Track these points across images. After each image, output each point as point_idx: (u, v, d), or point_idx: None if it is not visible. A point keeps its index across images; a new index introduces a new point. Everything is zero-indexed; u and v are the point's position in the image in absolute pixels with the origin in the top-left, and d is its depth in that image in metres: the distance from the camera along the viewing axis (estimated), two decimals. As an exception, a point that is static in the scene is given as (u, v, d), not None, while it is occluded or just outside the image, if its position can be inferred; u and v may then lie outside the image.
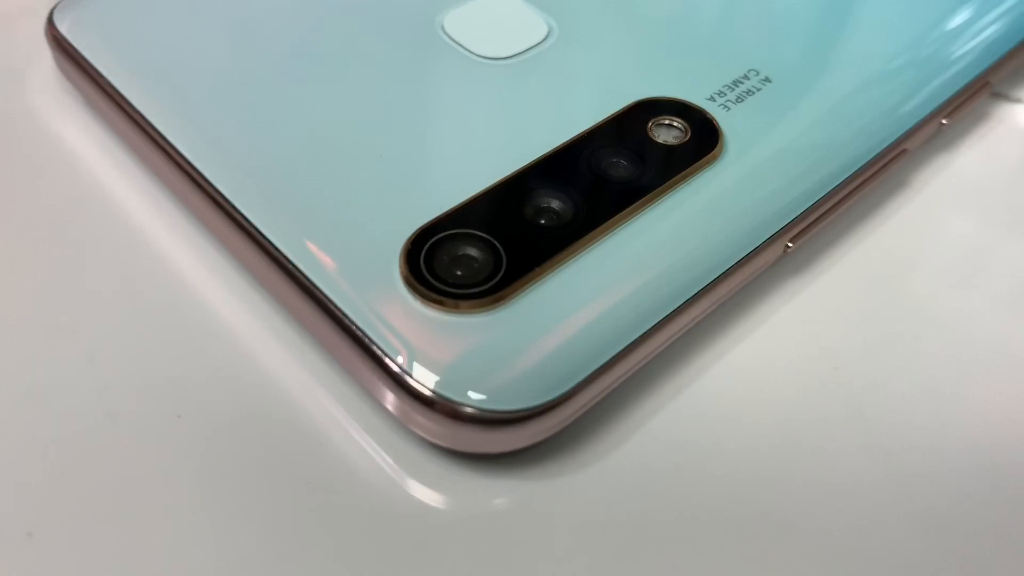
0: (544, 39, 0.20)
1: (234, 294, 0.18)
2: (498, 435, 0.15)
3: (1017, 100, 0.23)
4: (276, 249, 0.16)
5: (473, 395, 0.14)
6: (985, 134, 0.22)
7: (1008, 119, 0.23)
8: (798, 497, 0.15)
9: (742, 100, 0.19)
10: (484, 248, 0.16)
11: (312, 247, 0.16)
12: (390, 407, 0.15)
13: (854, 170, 0.18)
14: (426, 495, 0.15)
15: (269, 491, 0.15)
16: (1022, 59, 0.23)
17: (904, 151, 0.20)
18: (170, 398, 0.16)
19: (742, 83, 0.19)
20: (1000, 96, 0.23)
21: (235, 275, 0.18)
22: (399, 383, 0.15)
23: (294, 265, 0.16)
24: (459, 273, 0.15)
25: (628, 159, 0.17)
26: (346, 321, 0.15)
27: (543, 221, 0.16)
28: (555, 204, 0.17)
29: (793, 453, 0.16)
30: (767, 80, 0.19)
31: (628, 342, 0.15)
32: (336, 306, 0.15)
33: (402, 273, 0.15)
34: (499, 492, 0.15)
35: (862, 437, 0.16)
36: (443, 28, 0.20)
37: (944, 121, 0.20)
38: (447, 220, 0.16)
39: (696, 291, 0.16)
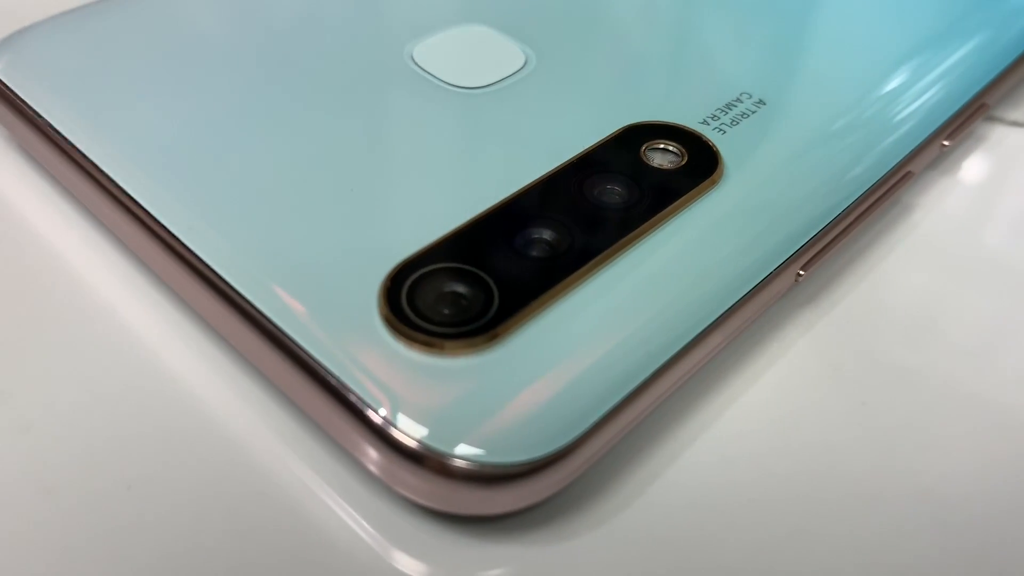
0: (522, 67, 0.19)
1: (190, 347, 0.16)
2: (496, 493, 0.13)
3: (1014, 123, 0.22)
4: (236, 293, 0.14)
5: (466, 448, 0.13)
6: (986, 156, 0.21)
7: (1006, 141, 0.22)
8: (835, 553, 0.14)
9: (737, 123, 0.18)
10: (472, 283, 0.14)
11: (277, 289, 0.14)
12: (372, 466, 0.13)
13: (861, 192, 0.17)
14: (414, 568, 0.13)
15: (235, 572, 0.13)
16: (1016, 81, 0.22)
17: (909, 173, 0.19)
18: (118, 467, 0.14)
19: (735, 106, 0.18)
20: (996, 119, 0.22)
21: (191, 326, 0.16)
22: (382, 437, 0.13)
23: (258, 310, 0.14)
24: (446, 311, 0.14)
25: (623, 185, 0.16)
26: (319, 369, 0.13)
27: (536, 253, 0.15)
28: (547, 234, 0.15)
29: (824, 503, 0.14)
30: (761, 103, 0.18)
31: (637, 383, 0.14)
32: (307, 353, 0.13)
33: (382, 313, 0.13)
34: (497, 561, 0.13)
35: (899, 481, 0.15)
36: (412, 58, 0.19)
37: (945, 143, 0.20)
38: (430, 254, 0.14)
39: (707, 324, 0.15)
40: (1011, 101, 0.23)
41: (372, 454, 0.13)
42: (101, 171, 0.16)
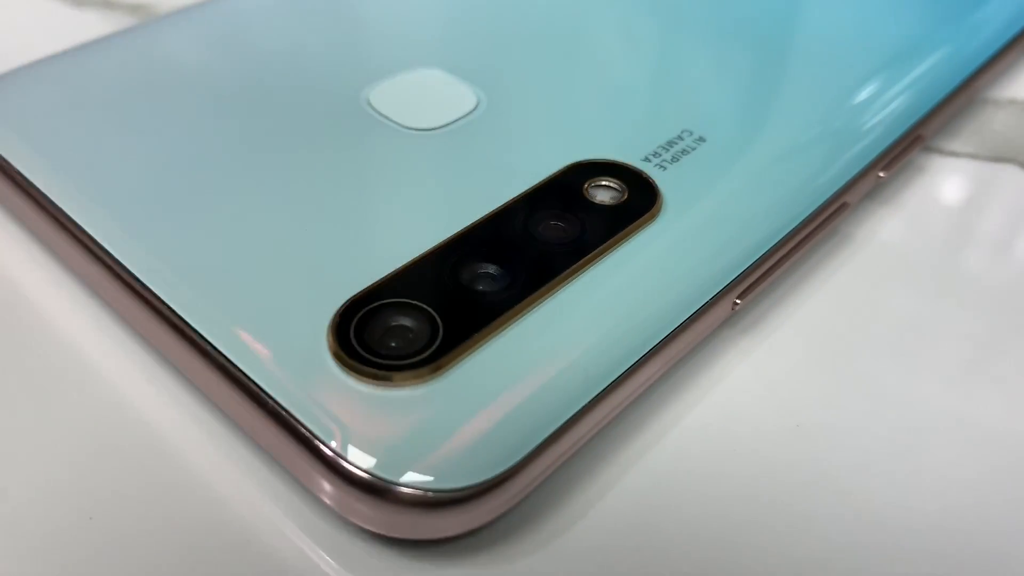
0: (473, 109, 0.20)
1: (151, 381, 0.16)
2: (444, 518, 0.13)
3: (951, 153, 0.23)
4: (192, 329, 0.15)
5: (413, 475, 0.13)
6: (922, 186, 0.22)
7: (942, 172, 0.23)
8: (771, 567, 0.14)
9: (677, 159, 0.18)
10: (418, 317, 0.15)
11: (232, 325, 0.15)
12: (324, 496, 0.14)
13: (795, 225, 0.18)
14: (369, 593, 0.14)
15: (192, 598, 0.14)
16: (951, 113, 0.23)
17: (845, 204, 0.19)
18: (79, 498, 0.15)
19: (676, 143, 0.19)
20: (933, 149, 0.23)
21: (150, 359, 0.17)
22: (333, 468, 0.13)
23: (213, 346, 0.14)
24: (393, 344, 0.14)
25: (565, 221, 0.17)
26: (271, 403, 0.14)
27: (480, 287, 0.15)
28: (491, 269, 0.16)
29: (762, 519, 0.15)
30: (701, 139, 0.19)
31: (578, 408, 0.14)
32: (259, 387, 0.14)
33: (331, 348, 0.14)
34: (449, 583, 0.14)
35: (831, 498, 0.15)
36: (369, 102, 0.19)
37: (881, 174, 0.20)
38: (378, 290, 0.15)
39: (645, 352, 0.15)
40: (948, 132, 0.24)
41: (324, 485, 0.14)
42: (60, 209, 0.17)
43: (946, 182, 0.22)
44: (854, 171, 0.19)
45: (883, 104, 0.21)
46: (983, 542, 0.15)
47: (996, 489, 0.16)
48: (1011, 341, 0.18)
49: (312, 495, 0.15)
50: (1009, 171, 0.23)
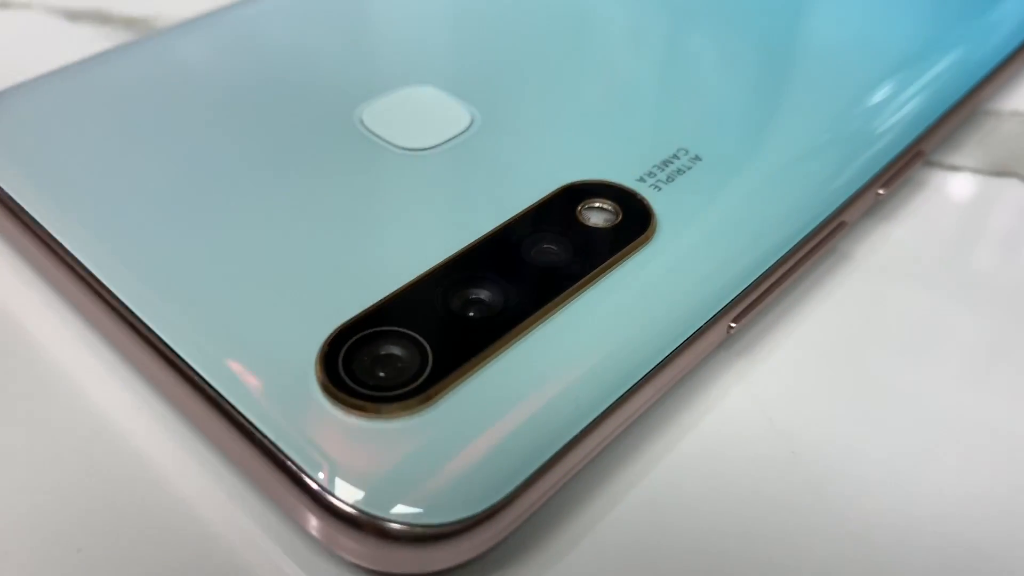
0: (467, 128, 0.19)
1: (141, 410, 0.16)
2: (432, 552, 0.13)
3: (952, 167, 0.23)
4: (181, 360, 0.15)
5: (402, 509, 0.13)
6: (923, 202, 0.22)
7: (944, 187, 0.22)
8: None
9: (672, 179, 0.18)
10: (408, 345, 0.15)
11: (220, 355, 0.14)
12: (312, 530, 0.14)
13: (792, 245, 0.18)
14: (358, 624, 0.14)
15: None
16: (953, 126, 0.23)
17: (843, 223, 0.19)
18: (68, 530, 0.14)
19: (672, 163, 0.19)
20: (934, 164, 0.23)
21: (144, 388, 0.16)
22: (319, 502, 0.13)
23: (199, 375, 0.14)
24: (382, 375, 0.14)
25: (558, 244, 0.17)
26: (258, 436, 0.14)
27: (471, 313, 0.15)
28: (483, 295, 0.16)
29: (757, 547, 0.15)
30: (697, 159, 0.19)
31: (570, 437, 0.14)
32: (246, 418, 0.14)
33: (319, 379, 0.14)
34: (439, 615, 0.14)
35: (828, 522, 0.15)
36: (362, 122, 0.19)
37: (881, 191, 0.20)
38: (367, 319, 0.15)
39: (638, 378, 0.15)
40: (949, 145, 0.24)
41: (311, 519, 0.13)
42: (55, 239, 0.17)
43: (947, 197, 0.22)
44: (852, 190, 0.19)
45: (882, 120, 0.21)
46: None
47: (996, 532, 0.15)
48: (1014, 358, 0.18)
49: (302, 529, 0.15)
50: (1012, 185, 0.23)
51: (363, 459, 0.13)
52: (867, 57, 0.22)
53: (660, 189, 0.18)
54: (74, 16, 0.26)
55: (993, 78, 0.24)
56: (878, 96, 0.21)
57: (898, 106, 0.21)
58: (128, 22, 0.26)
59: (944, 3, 0.25)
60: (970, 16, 0.24)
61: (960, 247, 0.21)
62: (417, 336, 0.15)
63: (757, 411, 0.17)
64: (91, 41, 0.25)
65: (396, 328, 0.15)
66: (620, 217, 0.17)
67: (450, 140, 0.19)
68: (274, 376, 0.14)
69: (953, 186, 0.23)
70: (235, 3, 0.23)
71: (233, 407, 0.14)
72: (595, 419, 0.15)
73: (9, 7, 0.27)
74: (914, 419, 0.17)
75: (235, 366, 0.14)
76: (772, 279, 0.17)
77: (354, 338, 0.15)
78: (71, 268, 0.16)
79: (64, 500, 0.15)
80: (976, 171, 0.23)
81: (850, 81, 0.21)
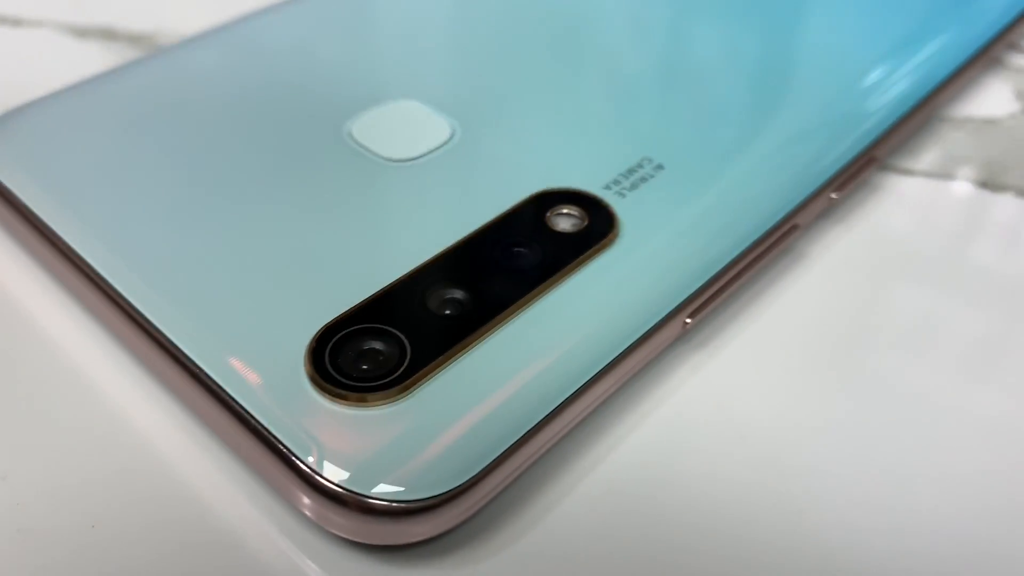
0: (448, 139, 0.21)
1: (149, 401, 0.18)
2: (413, 524, 0.15)
3: (906, 171, 0.24)
4: (185, 356, 0.16)
5: (384, 487, 0.15)
6: (876, 205, 0.23)
7: (896, 190, 0.24)
8: (721, 570, 0.16)
9: (636, 187, 0.20)
10: (388, 341, 0.16)
11: (220, 351, 0.16)
12: (303, 508, 0.15)
13: (744, 247, 0.19)
14: (346, 592, 0.15)
15: (184, 599, 0.15)
16: (906, 134, 0.24)
17: (795, 226, 0.21)
18: (82, 507, 0.16)
19: (636, 171, 0.20)
20: (888, 168, 0.24)
21: (151, 382, 0.18)
22: (309, 482, 0.15)
23: (201, 370, 0.16)
24: (364, 367, 0.16)
25: (528, 248, 0.18)
26: (254, 423, 0.15)
27: (447, 311, 0.17)
28: (457, 294, 0.17)
29: (710, 527, 0.16)
30: (660, 167, 0.20)
31: (532, 425, 0.16)
32: (244, 409, 0.15)
33: (308, 372, 0.16)
34: (417, 583, 0.16)
35: (777, 501, 0.17)
36: (351, 135, 0.21)
37: (833, 195, 0.22)
38: (351, 317, 0.16)
39: (598, 369, 0.17)
40: (903, 150, 0.25)
41: (302, 498, 0.15)
42: (62, 240, 0.18)
43: (900, 201, 0.24)
44: (804, 194, 0.21)
45: (834, 128, 0.22)
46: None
47: (943, 517, 0.17)
48: (959, 347, 0.20)
49: (294, 506, 0.16)
50: (964, 189, 0.24)
51: (348, 443, 0.15)
52: (822, 66, 0.24)
53: (624, 196, 0.19)
54: (82, 33, 0.28)
55: (946, 87, 0.25)
56: (831, 104, 0.23)
57: (851, 114, 0.23)
58: (133, 39, 0.28)
59: (898, 12, 0.26)
60: (923, 26, 0.26)
61: (911, 250, 0.22)
62: (397, 332, 0.16)
63: (710, 399, 0.18)
64: (98, 58, 0.27)
65: (378, 325, 0.16)
66: (586, 222, 0.19)
67: (432, 151, 0.21)
68: (268, 370, 0.16)
69: (906, 190, 0.24)
70: (233, 22, 0.25)
71: (232, 398, 0.16)
72: (558, 406, 0.16)
73: (21, 25, 0.28)
74: (860, 406, 0.18)
75: (234, 361, 0.16)
76: (726, 278, 0.19)
77: (339, 334, 0.16)
78: (83, 272, 0.18)
79: (81, 481, 0.16)
80: (929, 175, 0.24)
81: (804, 91, 0.23)
